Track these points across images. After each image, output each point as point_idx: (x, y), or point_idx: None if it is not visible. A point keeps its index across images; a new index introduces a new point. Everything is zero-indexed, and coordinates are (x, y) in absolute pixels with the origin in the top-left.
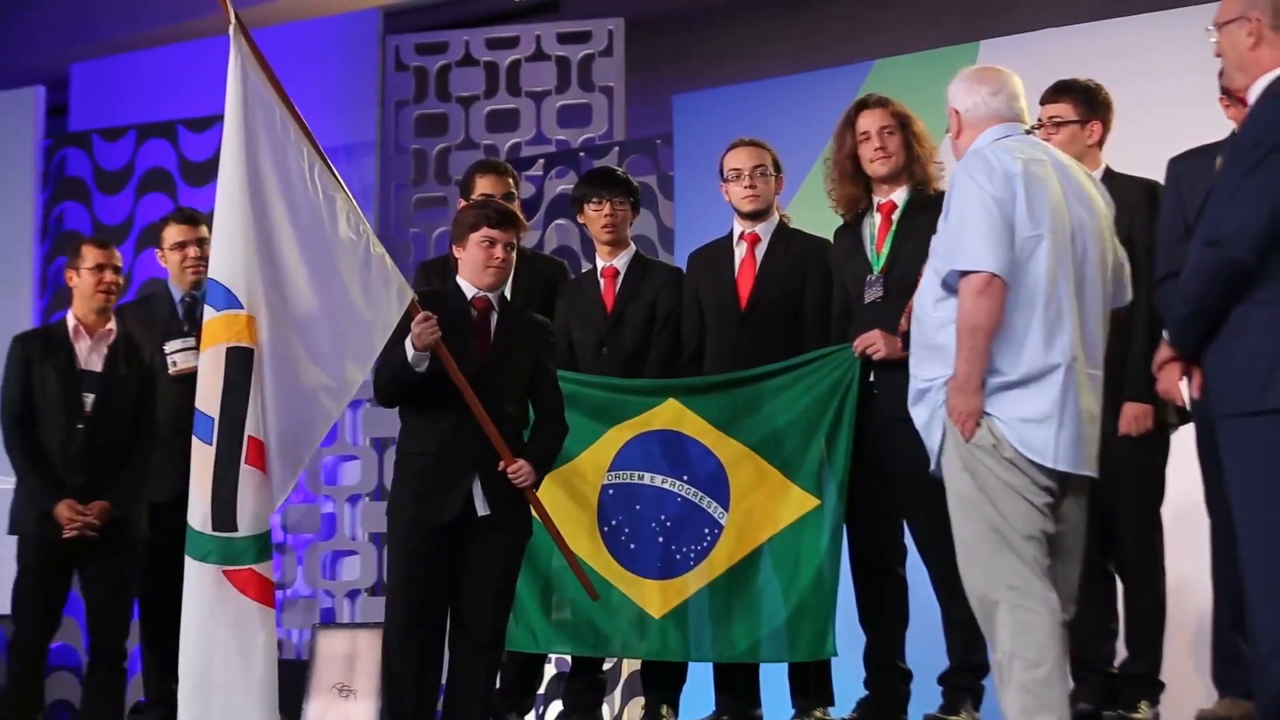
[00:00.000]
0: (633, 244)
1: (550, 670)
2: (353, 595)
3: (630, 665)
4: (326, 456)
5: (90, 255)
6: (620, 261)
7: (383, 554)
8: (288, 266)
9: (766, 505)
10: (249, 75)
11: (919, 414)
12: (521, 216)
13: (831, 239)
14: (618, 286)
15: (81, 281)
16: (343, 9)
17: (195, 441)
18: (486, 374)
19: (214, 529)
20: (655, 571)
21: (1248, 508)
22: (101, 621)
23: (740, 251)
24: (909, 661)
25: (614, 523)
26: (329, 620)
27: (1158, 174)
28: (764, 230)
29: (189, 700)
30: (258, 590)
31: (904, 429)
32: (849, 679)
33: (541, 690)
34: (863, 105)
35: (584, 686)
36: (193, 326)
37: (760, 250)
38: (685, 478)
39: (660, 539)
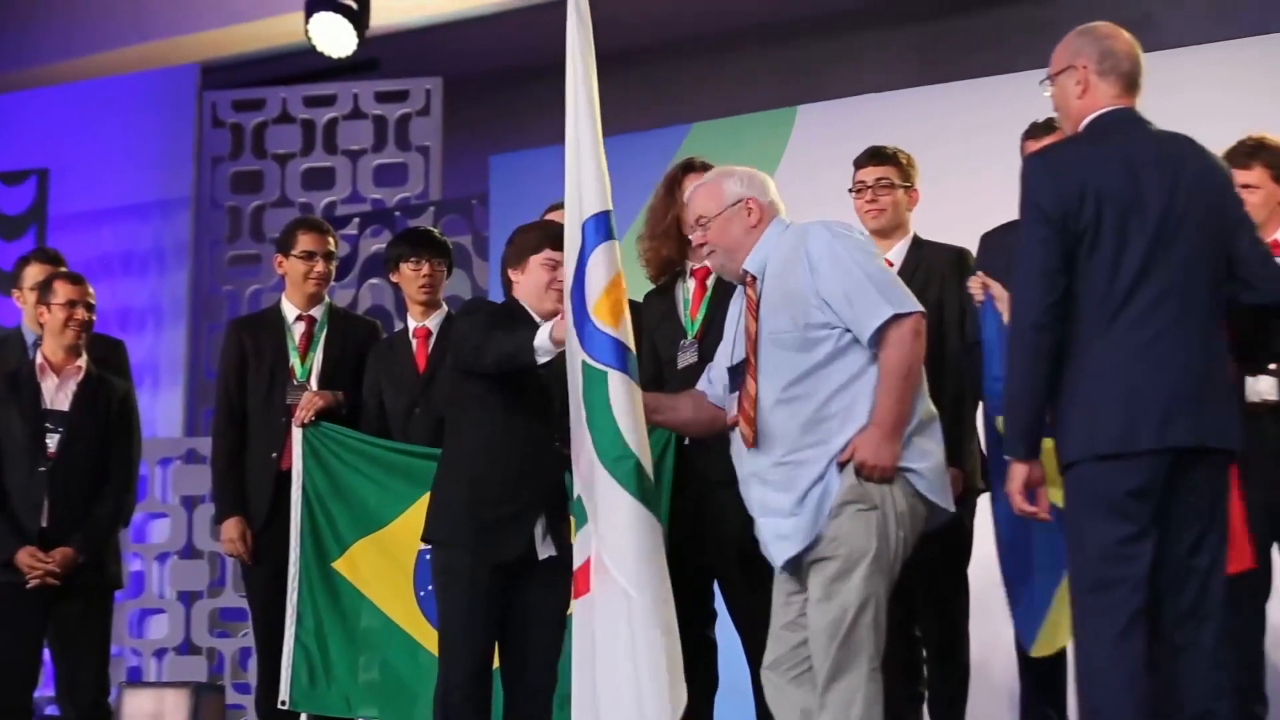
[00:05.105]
0: (445, 304)
1: None
2: (160, 654)
3: None
4: (136, 514)
5: (62, 291)
6: (433, 322)
7: (191, 612)
8: None
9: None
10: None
11: (811, 498)
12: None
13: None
14: (430, 347)
15: (51, 318)
16: (160, 63)
17: (616, 374)
18: (553, 397)
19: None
20: None
21: None
22: (72, 674)
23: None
24: None
25: (430, 588)
26: (135, 679)
27: (969, 238)
28: None
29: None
30: None
31: (720, 493)
32: None
33: None
34: (689, 168)
35: None
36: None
37: None
38: None
39: None
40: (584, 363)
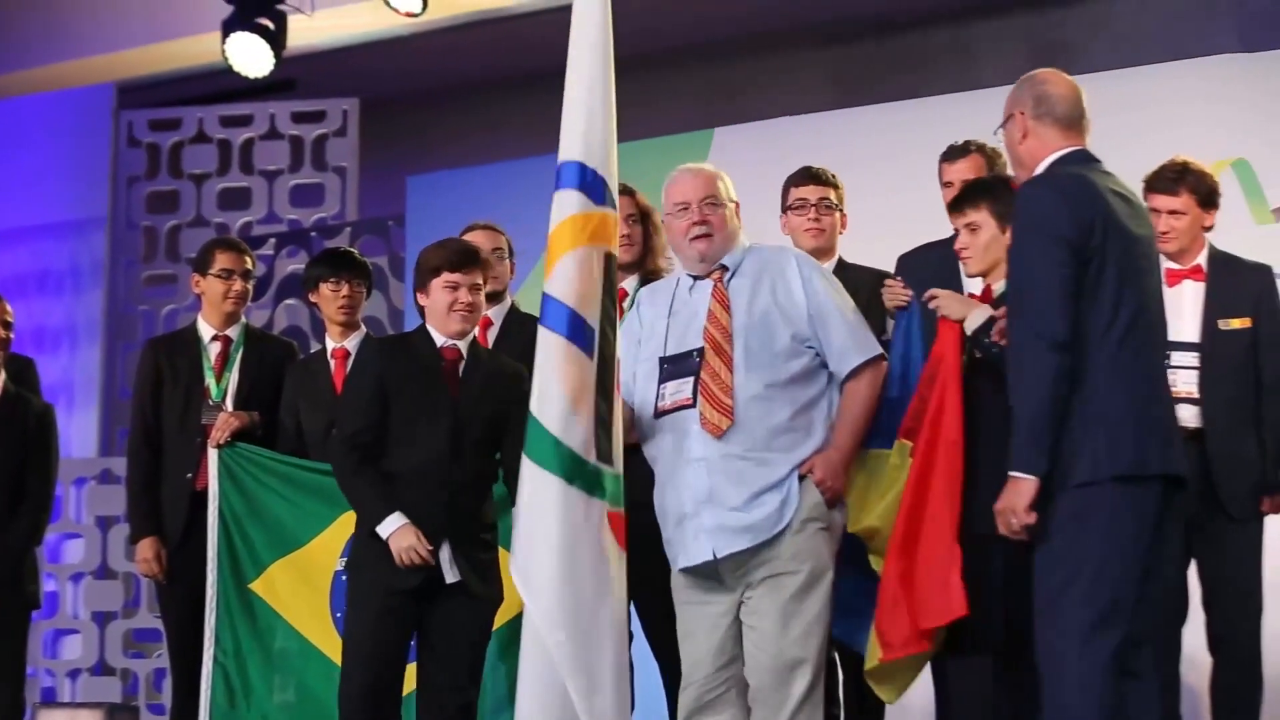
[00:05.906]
0: (363, 325)
1: None
2: (74, 675)
3: None
4: (50, 534)
5: None
6: (351, 343)
7: (105, 633)
8: None
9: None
10: None
11: (768, 500)
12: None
13: None
14: (348, 368)
15: None
16: (76, 83)
17: (562, 342)
18: (458, 426)
19: (598, 458)
20: None
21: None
22: None
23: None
24: None
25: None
26: (49, 700)
27: (886, 260)
28: (496, 314)
29: (577, 651)
30: (624, 543)
31: (641, 514)
32: None
33: None
34: (619, 190)
35: None
36: None
37: (493, 334)
38: None
39: None
40: None
